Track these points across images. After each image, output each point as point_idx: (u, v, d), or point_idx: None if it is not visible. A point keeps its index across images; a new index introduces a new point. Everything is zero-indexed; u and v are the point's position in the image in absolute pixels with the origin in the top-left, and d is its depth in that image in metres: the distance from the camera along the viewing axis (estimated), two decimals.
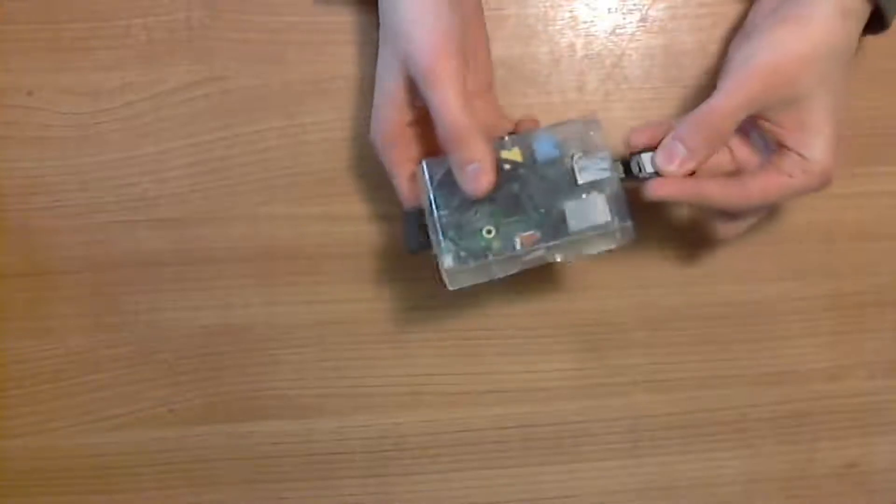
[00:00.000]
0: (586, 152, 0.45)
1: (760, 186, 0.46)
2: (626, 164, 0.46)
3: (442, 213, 0.45)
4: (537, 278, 0.55)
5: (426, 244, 0.46)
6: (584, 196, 0.45)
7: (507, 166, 0.45)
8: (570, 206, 0.45)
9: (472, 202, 0.45)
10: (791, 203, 0.55)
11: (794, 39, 0.45)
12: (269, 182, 0.54)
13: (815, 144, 0.46)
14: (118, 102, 0.53)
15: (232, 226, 0.54)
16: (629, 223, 0.45)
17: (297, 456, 0.55)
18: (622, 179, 0.46)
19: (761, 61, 0.45)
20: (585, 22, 0.55)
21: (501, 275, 0.46)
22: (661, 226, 0.55)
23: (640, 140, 0.46)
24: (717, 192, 0.46)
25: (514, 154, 0.45)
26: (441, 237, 0.44)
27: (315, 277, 0.54)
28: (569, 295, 0.55)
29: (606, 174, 0.45)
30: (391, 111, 0.46)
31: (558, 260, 0.46)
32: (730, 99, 0.44)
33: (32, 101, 0.53)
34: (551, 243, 0.45)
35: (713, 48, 0.54)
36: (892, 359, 0.56)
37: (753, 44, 0.46)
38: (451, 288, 0.45)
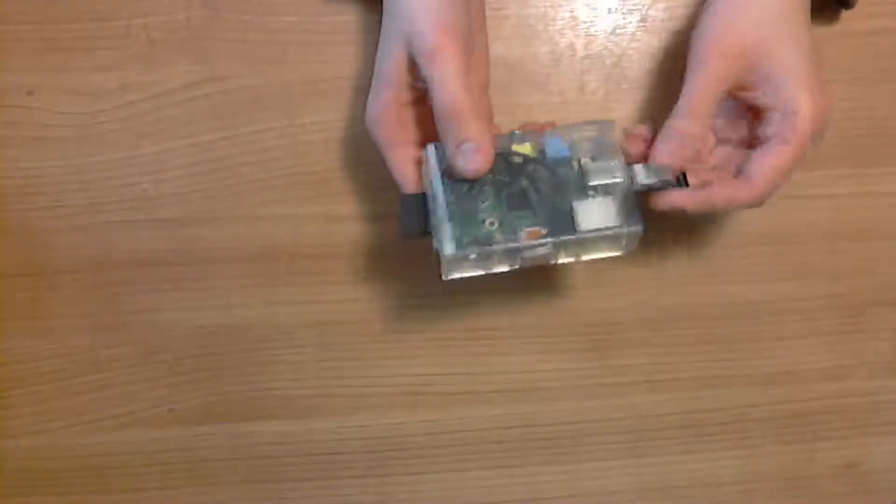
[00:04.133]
0: (598, 156, 0.45)
1: (765, 171, 0.46)
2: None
3: (448, 198, 0.44)
4: (537, 278, 0.55)
5: (424, 230, 0.45)
6: (593, 197, 0.44)
7: (517, 159, 0.44)
8: (579, 206, 0.44)
9: (479, 192, 0.44)
10: (791, 203, 0.55)
11: (737, 8, 0.45)
12: (269, 182, 0.54)
13: (787, 87, 0.45)
14: (118, 102, 0.53)
15: (232, 226, 0.54)
16: (640, 227, 0.44)
17: (297, 456, 0.55)
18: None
19: (713, 38, 0.46)
20: (585, 22, 0.55)
21: (500, 269, 0.45)
22: (661, 226, 0.55)
23: (636, 149, 0.47)
24: (726, 194, 0.46)
25: (524, 148, 0.45)
26: (445, 222, 0.43)
27: (315, 277, 0.54)
28: (569, 295, 0.55)
29: (618, 179, 0.44)
30: (388, 91, 0.46)
31: (560, 261, 0.45)
32: (700, 82, 0.46)
33: (32, 101, 0.53)
34: (558, 238, 0.43)
35: None
36: (892, 359, 0.56)
37: (705, 18, 0.47)
38: (447, 277, 0.44)
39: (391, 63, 0.45)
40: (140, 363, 0.55)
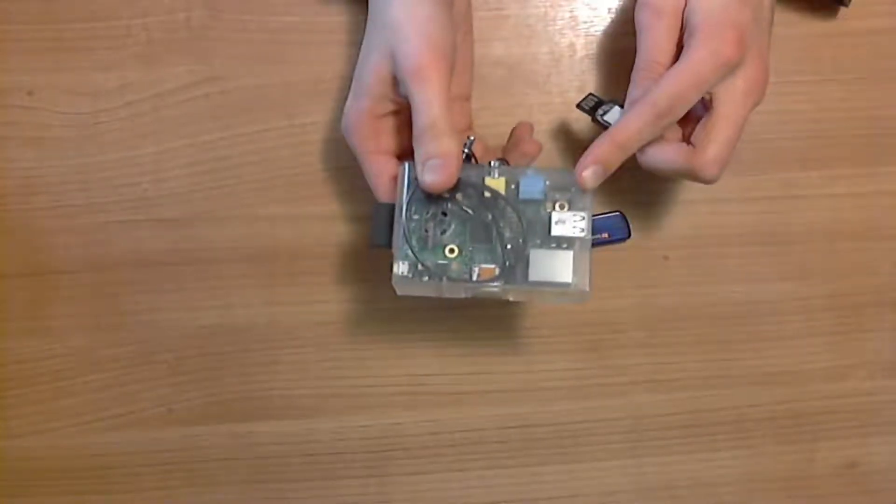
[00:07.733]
0: (570, 204, 0.44)
1: (665, 78, 0.44)
2: (594, 107, 0.48)
3: (413, 218, 0.44)
4: None
5: (390, 242, 0.45)
6: (552, 247, 0.44)
7: (487, 194, 0.45)
8: (535, 254, 0.44)
9: (444, 218, 0.44)
10: (791, 203, 0.55)
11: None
12: (269, 182, 0.54)
13: (695, 14, 0.44)
14: (118, 102, 0.53)
15: (232, 226, 0.54)
16: (587, 290, 0.44)
17: (297, 456, 0.55)
18: (586, 112, 0.48)
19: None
20: (585, 22, 0.55)
21: (450, 296, 0.45)
22: (661, 226, 0.55)
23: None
24: (628, 117, 0.45)
25: (497, 183, 0.45)
26: (403, 242, 0.44)
27: (315, 277, 0.54)
28: None
29: (581, 234, 0.44)
30: (365, 101, 0.46)
31: (510, 299, 0.45)
32: (647, 41, 0.46)
33: (32, 101, 0.53)
34: (507, 286, 0.44)
35: None
36: (892, 359, 0.56)
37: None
38: (398, 293, 0.45)
39: (371, 74, 0.45)
40: (140, 363, 0.55)
